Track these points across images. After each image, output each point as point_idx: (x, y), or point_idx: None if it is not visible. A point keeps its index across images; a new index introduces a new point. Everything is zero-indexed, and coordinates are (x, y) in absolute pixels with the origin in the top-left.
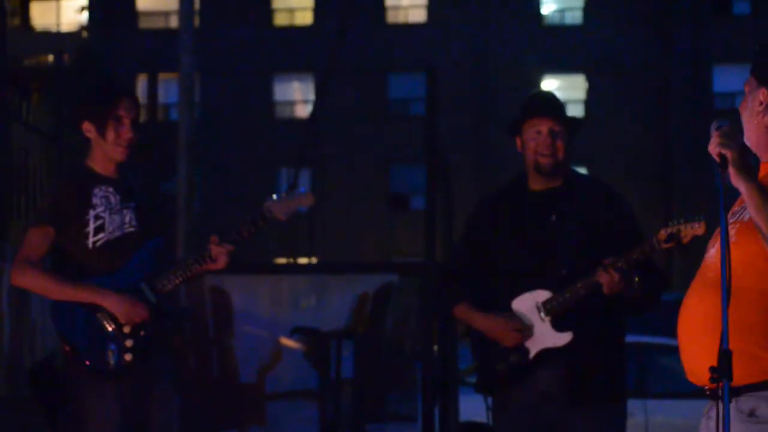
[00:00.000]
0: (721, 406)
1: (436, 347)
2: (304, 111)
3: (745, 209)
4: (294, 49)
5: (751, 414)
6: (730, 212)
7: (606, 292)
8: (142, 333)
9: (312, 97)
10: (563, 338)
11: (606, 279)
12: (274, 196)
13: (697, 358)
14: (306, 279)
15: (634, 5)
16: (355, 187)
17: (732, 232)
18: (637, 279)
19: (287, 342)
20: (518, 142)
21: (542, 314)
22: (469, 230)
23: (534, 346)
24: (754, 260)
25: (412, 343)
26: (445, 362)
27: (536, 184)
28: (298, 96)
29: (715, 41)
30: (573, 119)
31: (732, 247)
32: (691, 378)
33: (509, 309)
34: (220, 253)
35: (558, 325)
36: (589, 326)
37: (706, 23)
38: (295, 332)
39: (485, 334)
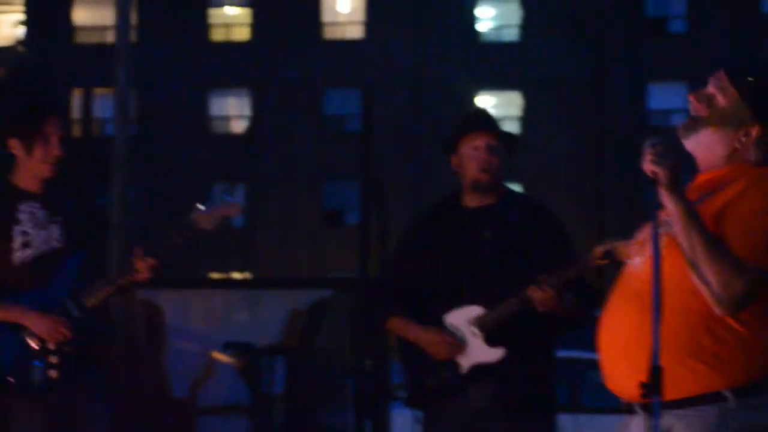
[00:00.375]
0: (646, 422)
1: (368, 362)
2: (239, 126)
3: None
4: (230, 65)
5: None
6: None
7: (539, 309)
8: (67, 349)
9: (248, 112)
10: (496, 354)
11: (539, 295)
12: (201, 207)
13: (623, 371)
14: (239, 294)
15: (570, 23)
16: (289, 202)
17: (662, 244)
18: (570, 297)
19: (220, 357)
20: (453, 160)
21: (475, 330)
22: (403, 245)
23: (466, 362)
24: (680, 276)
25: (344, 359)
26: (377, 377)
27: (470, 200)
28: (234, 111)
29: (650, 59)
30: (509, 135)
31: (661, 260)
32: (612, 389)
33: (442, 324)
34: (143, 267)
35: (491, 341)
36: (521, 342)
37: (641, 41)
38: (227, 347)
39: (419, 346)
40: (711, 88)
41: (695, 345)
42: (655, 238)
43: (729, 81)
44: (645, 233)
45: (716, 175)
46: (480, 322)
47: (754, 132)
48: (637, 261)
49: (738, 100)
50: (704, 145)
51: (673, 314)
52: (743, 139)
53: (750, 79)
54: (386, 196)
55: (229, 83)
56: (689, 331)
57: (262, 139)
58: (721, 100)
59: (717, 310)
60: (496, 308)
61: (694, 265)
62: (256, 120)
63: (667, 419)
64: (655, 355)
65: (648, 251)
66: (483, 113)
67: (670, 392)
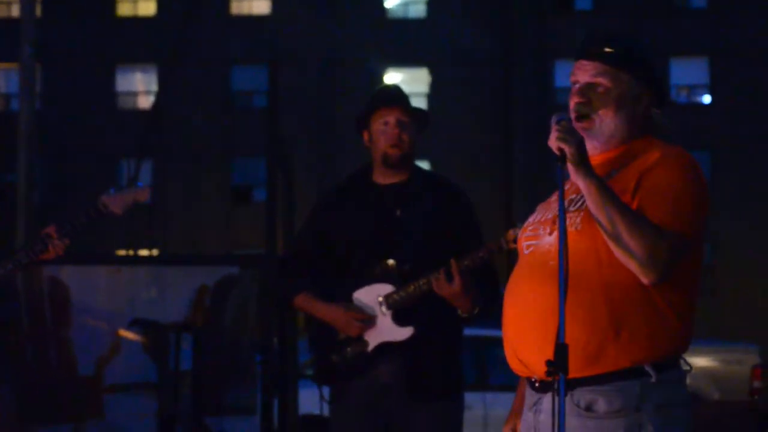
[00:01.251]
0: (557, 399)
1: (275, 340)
2: (146, 102)
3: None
4: (137, 40)
5: (588, 408)
6: (568, 200)
7: (443, 293)
8: None
9: (155, 88)
10: (404, 333)
11: (445, 283)
12: (111, 191)
13: (533, 346)
14: (145, 271)
15: (476, 0)
16: (197, 178)
17: (577, 219)
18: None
19: (126, 334)
20: (365, 135)
21: (384, 308)
22: (312, 220)
23: (373, 339)
24: (597, 249)
25: (251, 336)
26: (285, 355)
27: (382, 177)
28: (140, 87)
29: (556, 36)
30: (421, 111)
31: (576, 234)
32: (518, 366)
33: (350, 301)
34: (56, 246)
35: (399, 320)
36: (429, 321)
37: (548, 18)
38: (133, 324)
39: (327, 323)
40: (586, 79)
41: (616, 320)
42: (562, 215)
43: (599, 62)
44: (553, 209)
45: (624, 150)
46: (389, 301)
47: (646, 97)
48: (550, 239)
49: (618, 74)
50: (607, 131)
51: (594, 289)
52: (640, 107)
53: (612, 50)
54: (294, 173)
55: (135, 59)
56: (610, 306)
57: (169, 115)
58: (604, 83)
59: (644, 279)
60: (405, 287)
61: (615, 238)
62: (162, 96)
63: (588, 394)
64: (560, 333)
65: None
66: (394, 88)
67: (593, 367)
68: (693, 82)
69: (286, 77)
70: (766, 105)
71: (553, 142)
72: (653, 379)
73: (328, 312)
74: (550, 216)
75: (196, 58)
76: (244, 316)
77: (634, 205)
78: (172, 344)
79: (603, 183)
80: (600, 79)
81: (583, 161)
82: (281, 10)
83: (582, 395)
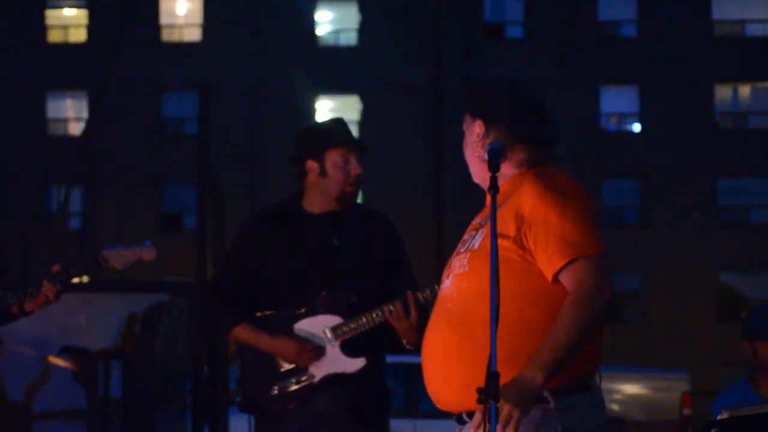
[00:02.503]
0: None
1: (206, 368)
2: (77, 128)
3: (474, 237)
4: (67, 67)
5: None
6: (462, 241)
7: (396, 325)
8: None
9: (85, 114)
10: (356, 364)
11: (401, 318)
12: (118, 246)
13: (443, 386)
14: (75, 298)
15: (408, 27)
16: (127, 205)
17: (464, 261)
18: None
19: (56, 361)
20: (313, 165)
21: (332, 339)
22: (240, 248)
23: (320, 371)
24: (486, 288)
25: (182, 364)
26: (215, 383)
27: (314, 207)
28: (71, 113)
29: (487, 65)
30: (366, 148)
31: (465, 276)
32: (438, 405)
33: (290, 332)
34: (50, 292)
35: (347, 351)
36: (376, 352)
37: (479, 46)
38: (63, 351)
39: (269, 354)
40: (477, 131)
41: (511, 353)
42: (494, 245)
43: (466, 114)
44: (456, 252)
45: (505, 188)
46: (338, 332)
47: (478, 128)
48: (447, 282)
49: (471, 122)
50: (472, 173)
51: (482, 325)
52: (476, 139)
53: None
54: (224, 201)
55: (66, 85)
56: (502, 342)
57: (100, 142)
58: (466, 131)
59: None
60: (356, 318)
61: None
62: (93, 122)
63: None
64: (492, 361)
65: (454, 272)
66: (346, 125)
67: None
68: (623, 110)
69: (216, 104)
70: (696, 133)
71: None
72: (552, 405)
73: (275, 344)
74: (453, 260)
75: (127, 85)
76: (175, 344)
77: (536, 254)
78: (102, 372)
79: (549, 367)
80: (466, 130)
81: (535, 398)
82: (212, 37)
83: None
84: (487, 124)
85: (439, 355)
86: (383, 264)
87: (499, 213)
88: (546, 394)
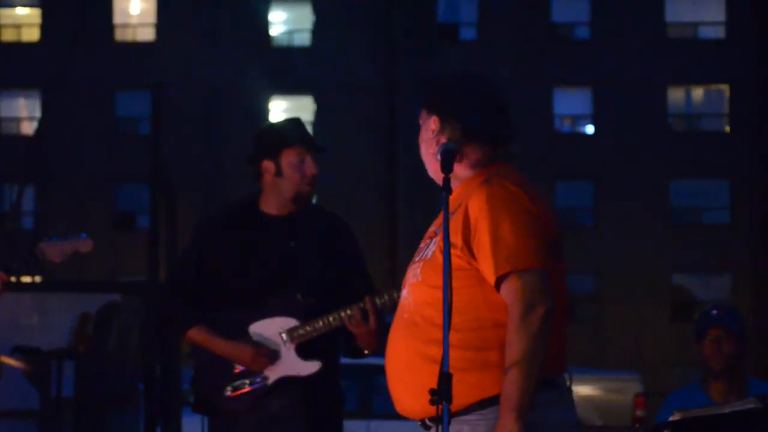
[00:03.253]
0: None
1: (159, 368)
2: (29, 128)
3: (428, 246)
4: (20, 66)
5: None
6: (418, 249)
7: (354, 330)
8: None
9: (38, 113)
10: (310, 367)
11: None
12: (51, 239)
13: (405, 393)
14: (28, 297)
15: (362, 28)
16: (80, 204)
17: (417, 270)
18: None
19: (8, 361)
20: (269, 165)
21: (288, 342)
22: (196, 248)
23: (274, 373)
24: (439, 297)
25: (135, 363)
26: (168, 383)
27: (271, 208)
28: (23, 113)
29: (441, 65)
30: (322, 148)
31: (418, 285)
32: (402, 413)
33: (246, 334)
34: None
35: (302, 354)
36: (331, 356)
37: (432, 47)
38: (15, 351)
39: (231, 359)
40: (432, 127)
41: (465, 359)
42: (447, 250)
43: (422, 109)
44: (413, 261)
45: (460, 188)
46: (294, 335)
47: (433, 124)
48: (404, 292)
49: (428, 116)
50: (428, 168)
51: (438, 335)
52: (431, 135)
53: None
54: (177, 200)
55: (18, 84)
56: (456, 348)
57: (53, 141)
58: (422, 126)
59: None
60: (313, 322)
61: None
62: (46, 121)
63: (455, 425)
64: (444, 362)
65: (409, 281)
66: (303, 125)
67: (458, 402)
68: (576, 112)
69: (170, 104)
70: (649, 135)
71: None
72: None
73: (230, 348)
74: (409, 270)
75: (80, 84)
76: (128, 343)
77: (479, 264)
78: (55, 371)
79: (518, 404)
80: (422, 125)
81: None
82: (166, 36)
83: (451, 426)
84: (443, 120)
85: (400, 364)
86: (341, 266)
87: (452, 220)
88: None
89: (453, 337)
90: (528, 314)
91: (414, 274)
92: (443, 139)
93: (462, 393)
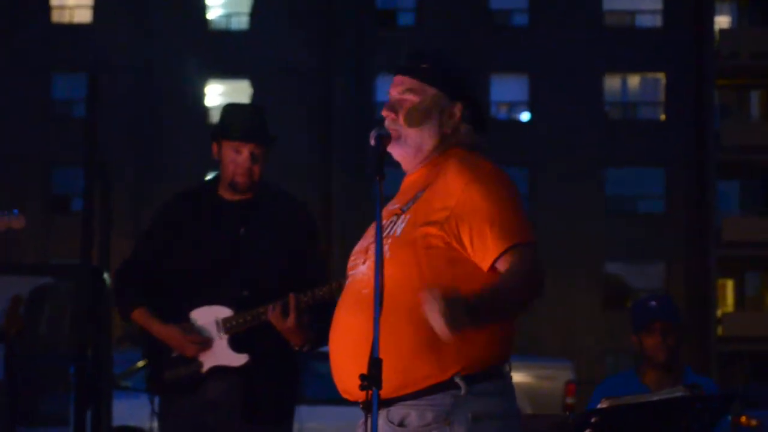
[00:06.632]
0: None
1: (90, 351)
2: None
3: (395, 223)
4: None
5: (401, 423)
6: (384, 224)
7: (279, 327)
8: None
9: None
10: (239, 359)
11: (281, 319)
12: None
13: (352, 373)
14: None
15: (300, 12)
16: (15, 188)
17: (385, 247)
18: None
19: None
20: (215, 148)
21: (221, 332)
22: (154, 229)
23: (208, 361)
24: (408, 275)
25: (66, 346)
26: (99, 366)
27: (227, 193)
28: None
29: (378, 51)
30: (272, 139)
31: (386, 262)
32: (345, 395)
33: (187, 319)
34: None
35: (235, 345)
36: (265, 350)
37: (370, 32)
38: None
39: (163, 342)
40: (395, 95)
41: (425, 340)
42: (379, 234)
43: (408, 77)
44: (368, 237)
45: (430, 165)
46: (226, 325)
47: (457, 110)
48: (363, 267)
49: (426, 88)
50: (414, 146)
51: (402, 312)
52: (449, 121)
53: (424, 65)
54: (112, 184)
55: None
56: (417, 327)
57: None
58: (411, 98)
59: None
60: (244, 314)
61: (514, 314)
62: None
63: (402, 410)
64: (375, 348)
65: (372, 257)
66: (253, 116)
67: (407, 387)
68: (513, 99)
69: (106, 86)
70: (585, 123)
71: (436, 320)
72: (462, 392)
73: (163, 331)
74: (365, 245)
75: (16, 66)
76: (59, 326)
77: (466, 240)
78: None
79: (480, 313)
80: (407, 95)
81: (469, 322)
82: (103, 19)
83: (396, 411)
84: (452, 98)
85: (348, 342)
86: (292, 254)
87: (425, 196)
88: (458, 380)
89: (413, 316)
90: (534, 277)
91: (384, 250)
92: (448, 117)
93: (415, 375)
